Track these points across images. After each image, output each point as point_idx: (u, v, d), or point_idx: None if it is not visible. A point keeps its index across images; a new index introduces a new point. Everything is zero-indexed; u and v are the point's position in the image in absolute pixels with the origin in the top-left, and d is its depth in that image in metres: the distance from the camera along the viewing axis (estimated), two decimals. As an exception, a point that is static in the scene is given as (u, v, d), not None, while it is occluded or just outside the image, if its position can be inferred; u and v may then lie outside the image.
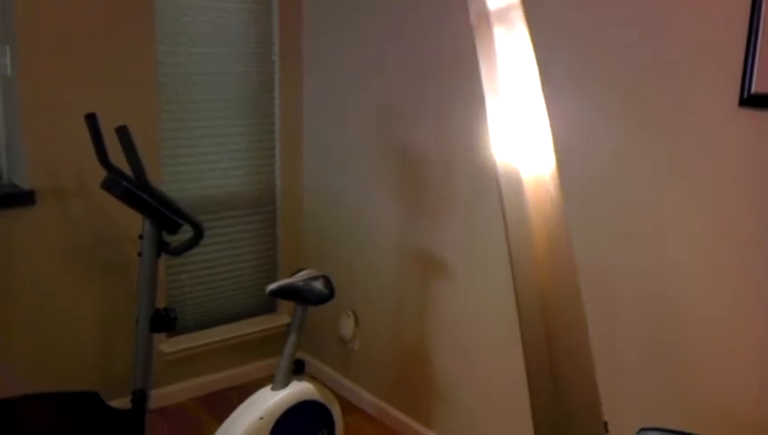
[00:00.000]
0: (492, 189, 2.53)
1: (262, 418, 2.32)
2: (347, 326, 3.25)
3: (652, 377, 2.11)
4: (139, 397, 1.26)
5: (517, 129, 0.72)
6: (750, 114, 1.81)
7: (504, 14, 0.77)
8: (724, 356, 1.94)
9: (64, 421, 1.28)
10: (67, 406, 1.29)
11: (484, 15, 0.76)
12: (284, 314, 3.53)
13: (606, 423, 1.30)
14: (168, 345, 3.15)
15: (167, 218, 2.07)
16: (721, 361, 1.95)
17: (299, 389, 2.41)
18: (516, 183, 0.67)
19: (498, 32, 0.76)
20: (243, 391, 2.51)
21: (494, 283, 2.56)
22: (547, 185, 0.71)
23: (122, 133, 1.96)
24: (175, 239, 2.31)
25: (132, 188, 2.03)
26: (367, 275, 3.14)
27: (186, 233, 2.39)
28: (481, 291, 2.62)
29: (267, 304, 3.54)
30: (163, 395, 3.16)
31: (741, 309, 1.89)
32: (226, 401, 3.23)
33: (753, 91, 1.80)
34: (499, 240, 2.53)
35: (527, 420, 2.51)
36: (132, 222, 2.91)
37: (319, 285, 2.41)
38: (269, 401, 2.35)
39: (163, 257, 3.03)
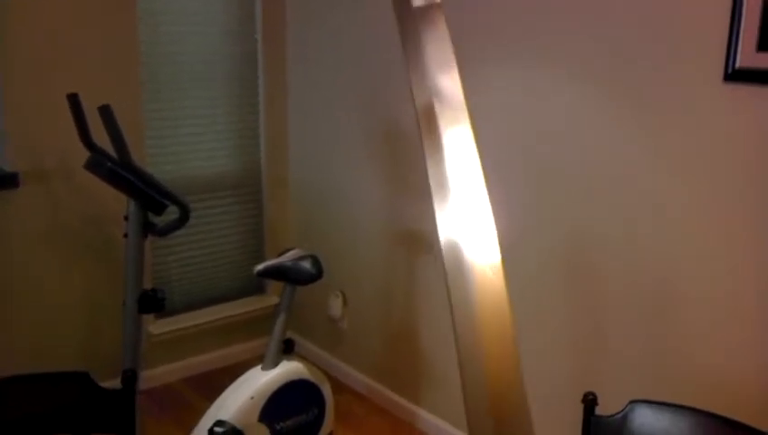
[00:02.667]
0: (487, 170, 2.53)
1: (252, 397, 2.32)
2: (335, 306, 3.26)
3: (642, 350, 2.13)
4: (130, 377, 1.25)
5: (464, 223, 0.73)
6: (735, 89, 1.82)
7: (450, 109, 0.77)
8: (715, 330, 1.96)
9: (54, 402, 1.27)
10: (57, 386, 1.28)
11: (431, 111, 0.77)
12: (272, 295, 3.53)
13: (595, 396, 1.32)
14: (155, 327, 3.14)
15: (152, 199, 2.05)
16: (711, 335, 1.97)
17: (289, 368, 2.42)
18: (463, 277, 0.68)
19: (444, 126, 0.76)
20: (232, 372, 2.51)
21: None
22: (492, 278, 0.72)
23: (105, 112, 1.94)
24: (161, 220, 2.29)
25: (116, 168, 2.01)
26: (355, 255, 3.14)
27: (172, 214, 2.38)
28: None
29: (255, 285, 3.54)
30: (152, 376, 3.16)
31: (730, 283, 1.91)
32: (216, 381, 3.23)
33: (737, 65, 1.81)
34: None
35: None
36: (117, 203, 2.88)
37: (307, 264, 2.40)
38: (259, 381, 2.35)
39: (149, 239, 3.02)
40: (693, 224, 1.96)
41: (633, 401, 1.28)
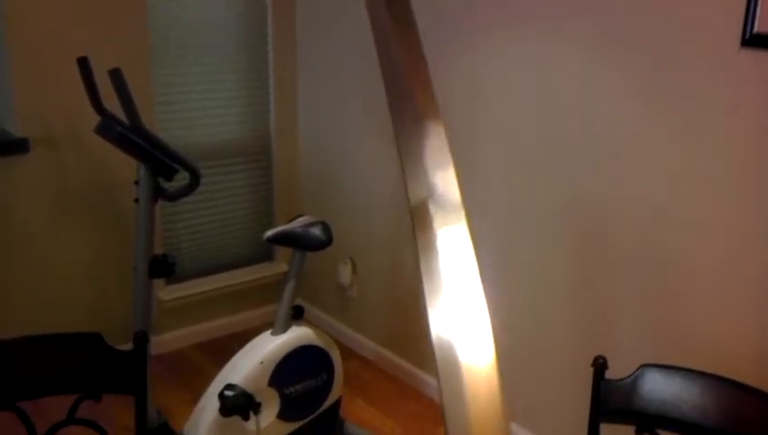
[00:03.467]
0: (490, 132, 2.51)
1: (262, 362, 2.34)
2: (345, 274, 3.26)
3: (651, 316, 2.13)
4: (141, 338, 1.26)
5: (457, 322, 0.70)
6: (752, 55, 1.79)
7: (446, 210, 0.74)
8: (724, 294, 1.95)
9: (66, 362, 1.28)
10: (69, 347, 1.29)
11: (426, 210, 0.74)
12: (282, 262, 3.54)
13: (605, 360, 1.32)
14: (166, 293, 3.16)
15: (162, 164, 2.05)
16: (720, 298, 1.96)
17: (298, 334, 2.43)
18: (456, 379, 0.65)
19: (439, 225, 0.73)
20: (242, 338, 2.52)
21: (492, 227, 2.57)
22: (487, 381, 0.69)
23: (115, 76, 1.93)
24: (171, 185, 2.29)
25: (127, 132, 2.01)
26: (365, 223, 3.14)
27: (182, 180, 2.37)
28: (478, 235, 2.62)
29: (264, 252, 3.55)
30: (162, 342, 3.19)
31: (739, 248, 1.90)
32: (226, 347, 3.26)
33: (755, 30, 1.77)
34: (497, 184, 2.52)
35: (521, 363, 2.54)
36: (128, 169, 2.88)
37: (316, 231, 2.40)
38: (269, 346, 2.37)
39: (159, 204, 3.02)
40: (705, 191, 1.94)
41: (643, 365, 1.28)
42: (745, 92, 1.82)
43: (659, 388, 1.26)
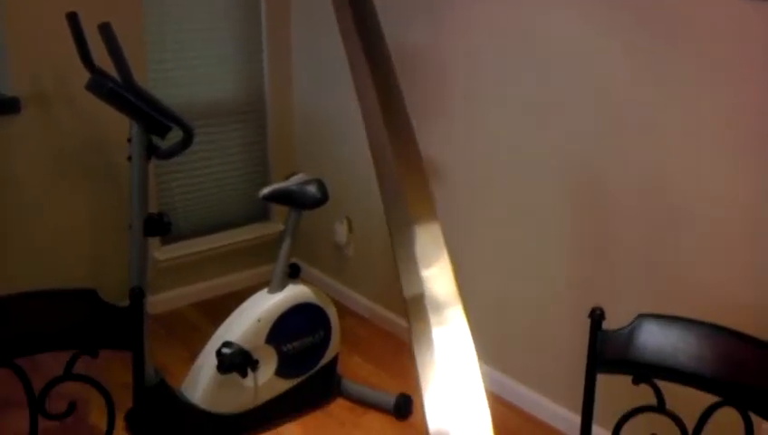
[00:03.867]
0: (489, 89, 2.49)
1: (259, 320, 2.34)
2: (341, 233, 3.26)
3: (649, 267, 2.13)
4: (137, 294, 1.25)
5: (457, 416, 0.67)
6: (753, 5, 1.76)
7: (441, 304, 0.70)
8: (722, 245, 1.96)
9: (62, 318, 1.28)
10: (64, 303, 1.28)
11: (421, 303, 0.70)
12: (278, 222, 3.53)
13: (602, 311, 1.32)
14: (161, 253, 3.15)
15: (155, 121, 2.02)
16: (719, 250, 1.97)
17: (295, 292, 2.43)
18: None
19: (435, 320, 0.69)
20: (238, 298, 2.53)
21: (491, 187, 2.55)
22: None
23: (105, 31, 1.89)
24: (164, 143, 2.26)
25: (118, 88, 1.98)
26: (360, 181, 3.12)
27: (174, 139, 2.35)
28: (478, 195, 2.61)
29: (260, 212, 3.53)
30: (158, 302, 3.19)
31: (738, 200, 1.90)
32: (222, 306, 3.25)
33: (757, -22, 1.74)
34: (498, 142, 2.50)
35: (518, 316, 2.55)
36: (120, 127, 2.84)
37: (312, 188, 2.39)
38: (266, 304, 2.37)
39: (153, 165, 3.00)
40: (705, 144, 1.93)
41: (641, 315, 1.28)
42: (747, 44, 1.79)
43: (656, 338, 1.26)
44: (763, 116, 1.80)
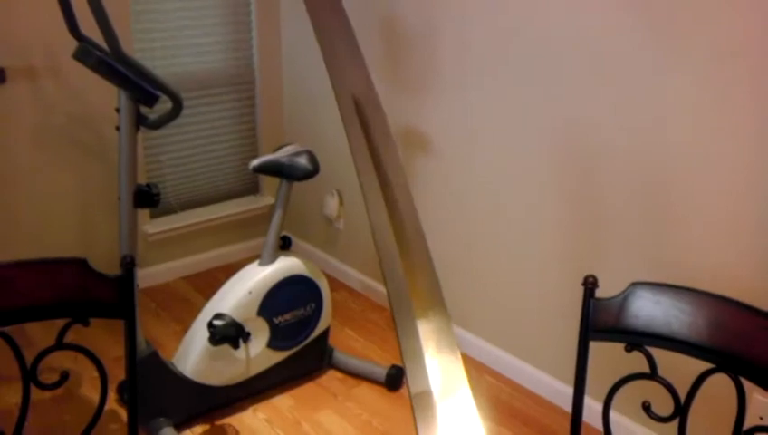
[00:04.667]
0: (479, 63, 2.47)
1: (251, 292, 2.34)
2: (331, 205, 3.25)
3: (642, 235, 2.13)
4: (129, 262, 1.24)
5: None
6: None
7: (448, 390, 0.67)
8: (717, 215, 1.96)
9: (53, 287, 1.27)
10: (55, 272, 1.27)
11: (429, 402, 0.66)
12: (268, 195, 3.51)
13: (595, 279, 1.32)
14: (151, 226, 3.13)
15: (143, 90, 1.99)
16: (714, 219, 1.97)
17: (286, 264, 2.43)
18: None
19: (442, 409, 0.66)
20: (229, 271, 2.52)
21: (482, 159, 2.55)
22: None
23: (92, 0, 1.85)
24: (152, 112, 2.24)
25: (105, 57, 1.94)
26: (350, 154, 3.10)
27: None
28: (468, 167, 2.60)
29: (250, 186, 3.51)
30: (149, 275, 3.18)
31: (731, 169, 1.90)
32: (213, 280, 3.26)
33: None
34: (487, 115, 2.49)
35: (506, 295, 2.56)
36: (108, 99, 2.81)
37: (303, 160, 2.37)
38: (257, 276, 2.36)
39: (142, 137, 2.97)
40: (700, 108, 1.93)
41: (634, 283, 1.28)
42: (744, 9, 1.78)
43: (649, 305, 1.27)
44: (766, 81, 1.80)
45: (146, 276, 3.15)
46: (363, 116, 0.79)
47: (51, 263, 1.29)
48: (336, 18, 0.83)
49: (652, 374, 1.26)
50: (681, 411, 1.25)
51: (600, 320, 1.31)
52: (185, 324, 2.86)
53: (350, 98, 0.80)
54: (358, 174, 0.73)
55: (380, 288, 3.12)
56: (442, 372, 0.68)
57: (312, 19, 0.84)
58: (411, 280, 0.73)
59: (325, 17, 0.83)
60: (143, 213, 3.09)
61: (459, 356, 0.69)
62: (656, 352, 1.25)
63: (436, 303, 0.73)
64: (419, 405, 0.63)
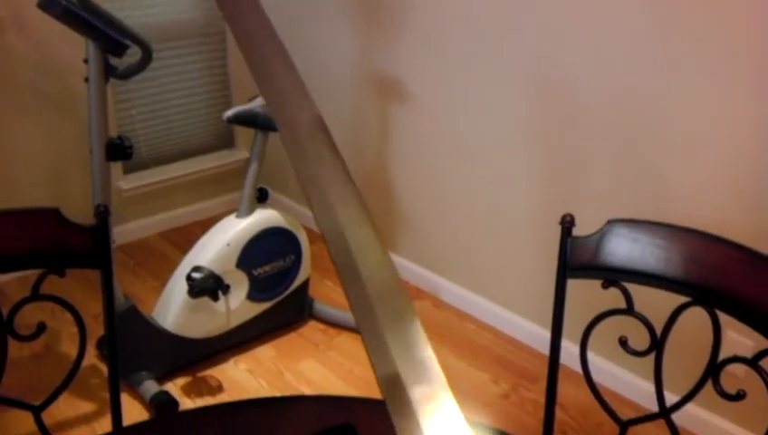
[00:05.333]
0: (453, 8, 2.43)
1: (229, 244, 2.33)
2: (307, 157, 3.22)
3: (620, 174, 2.15)
4: (103, 211, 1.22)
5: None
6: None
7: (424, 381, 0.61)
8: (693, 151, 1.98)
9: (26, 237, 1.24)
10: (28, 222, 1.25)
11: (399, 386, 0.61)
12: (243, 150, 3.47)
13: (573, 218, 1.32)
14: (125, 182, 3.09)
15: (111, 39, 1.94)
16: (689, 156, 1.99)
17: (264, 216, 2.41)
18: None
19: (419, 401, 0.60)
20: (205, 226, 2.50)
21: (458, 105, 2.53)
22: None
23: (53, -56, 1.79)
24: (121, 62, 2.18)
25: (72, 6, 1.89)
26: (325, 102, 3.07)
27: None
28: (444, 115, 2.59)
29: (225, 139, 3.47)
30: (125, 232, 3.15)
31: (709, 112, 1.91)
32: (190, 235, 3.23)
33: None
34: (464, 62, 2.46)
35: (483, 241, 2.57)
36: (76, 50, 2.74)
37: (277, 109, 2.34)
38: (235, 228, 2.35)
39: (112, 91, 2.91)
40: (680, 55, 1.92)
41: (611, 221, 1.29)
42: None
43: (626, 242, 1.28)
44: (752, 18, 1.79)
45: (122, 233, 3.12)
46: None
47: (23, 213, 1.27)
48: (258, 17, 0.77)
49: (629, 310, 1.28)
50: (657, 346, 1.27)
51: (577, 258, 1.32)
52: (163, 280, 2.84)
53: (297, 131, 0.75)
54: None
55: (359, 239, 3.12)
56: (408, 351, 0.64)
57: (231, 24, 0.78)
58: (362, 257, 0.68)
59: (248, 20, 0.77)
60: (116, 168, 3.04)
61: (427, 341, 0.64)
62: (633, 291, 1.27)
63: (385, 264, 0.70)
64: (391, 395, 0.59)
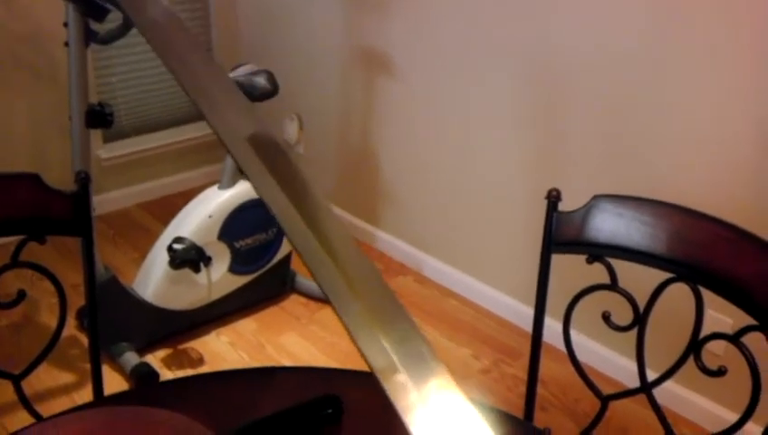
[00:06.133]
0: (441, -23, 2.41)
1: (210, 216, 2.30)
2: (291, 130, 3.19)
3: (606, 151, 2.15)
4: (83, 178, 1.20)
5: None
6: None
7: (420, 369, 0.59)
8: (681, 129, 1.98)
9: (4, 203, 1.22)
10: (6, 187, 1.22)
11: (395, 374, 0.58)
12: (225, 120, 3.43)
13: (559, 192, 1.32)
14: (105, 151, 3.05)
15: (92, 3, 1.89)
16: (677, 133, 1.99)
17: (247, 188, 2.39)
18: None
19: (418, 389, 0.58)
20: (187, 197, 2.47)
21: (444, 78, 2.51)
22: None
23: None
24: (102, 27, 2.14)
25: (50, -32, 1.84)
26: (311, 76, 3.03)
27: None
28: (430, 88, 2.57)
29: (206, 110, 3.42)
30: (104, 202, 3.11)
31: (700, 85, 1.90)
32: (171, 206, 3.20)
33: None
34: (451, 35, 2.44)
35: (467, 218, 2.57)
36: (55, 14, 2.68)
37: (261, 79, 2.31)
38: (217, 200, 2.33)
39: (91, 55, 2.85)
40: (662, 21, 1.91)
41: (596, 196, 1.28)
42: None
43: (611, 217, 1.27)
44: None
45: (101, 202, 3.08)
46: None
47: (1, 178, 1.24)
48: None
49: (612, 285, 1.28)
50: (640, 321, 1.27)
51: (562, 233, 1.31)
52: (143, 251, 2.82)
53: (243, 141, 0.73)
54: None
55: (342, 213, 3.11)
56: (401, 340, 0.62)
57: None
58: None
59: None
60: (96, 137, 3.00)
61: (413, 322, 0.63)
62: (617, 267, 1.27)
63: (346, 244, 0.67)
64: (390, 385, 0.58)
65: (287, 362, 2.32)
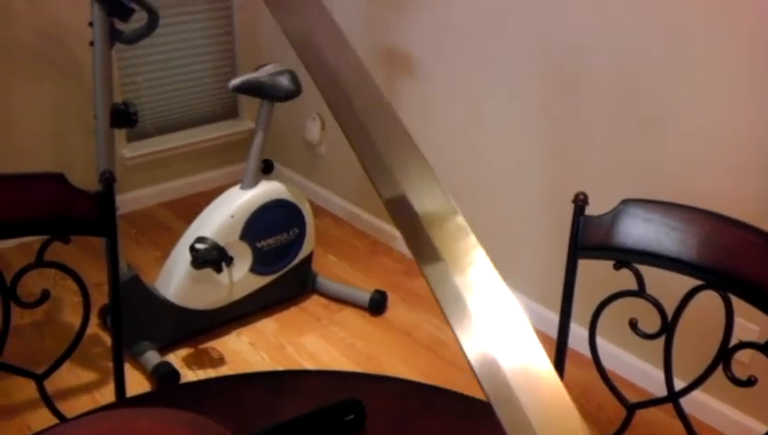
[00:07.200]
0: (465, -22, 2.39)
1: (233, 216, 2.31)
2: (313, 130, 3.19)
3: (634, 154, 2.12)
4: (108, 177, 1.20)
5: (495, 336, 0.56)
6: None
7: (433, 206, 0.58)
8: (707, 131, 1.95)
9: (30, 203, 1.22)
10: (32, 187, 1.23)
11: (407, 208, 0.57)
12: (247, 120, 3.44)
13: (586, 196, 1.30)
14: (128, 150, 3.06)
15: (117, 2, 1.90)
16: (703, 136, 1.96)
17: (269, 188, 2.39)
18: (510, 400, 0.52)
19: (433, 228, 0.57)
20: (209, 197, 2.48)
21: (464, 79, 2.49)
22: (549, 386, 0.56)
23: None
24: (127, 27, 2.15)
25: (77, -32, 1.85)
26: (332, 76, 3.03)
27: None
28: (450, 88, 2.55)
29: (229, 109, 3.43)
30: (128, 200, 3.12)
31: (716, 85, 1.87)
32: (193, 205, 3.21)
33: None
34: (475, 35, 2.42)
35: (490, 221, 2.55)
36: (81, 14, 2.70)
37: (284, 80, 2.31)
38: (239, 199, 2.33)
39: (116, 54, 2.87)
40: (685, 24, 1.89)
41: (625, 200, 1.26)
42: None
43: (639, 222, 1.25)
44: None
45: (124, 202, 3.10)
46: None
47: (26, 177, 1.24)
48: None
49: (640, 291, 1.26)
50: (668, 329, 1.25)
51: (589, 237, 1.29)
52: (165, 250, 2.83)
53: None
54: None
55: (363, 215, 3.10)
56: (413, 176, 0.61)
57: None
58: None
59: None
60: (120, 136, 3.01)
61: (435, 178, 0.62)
62: (644, 273, 1.24)
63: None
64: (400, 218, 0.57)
65: (307, 363, 2.31)
